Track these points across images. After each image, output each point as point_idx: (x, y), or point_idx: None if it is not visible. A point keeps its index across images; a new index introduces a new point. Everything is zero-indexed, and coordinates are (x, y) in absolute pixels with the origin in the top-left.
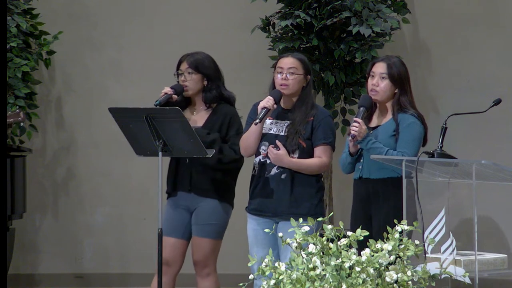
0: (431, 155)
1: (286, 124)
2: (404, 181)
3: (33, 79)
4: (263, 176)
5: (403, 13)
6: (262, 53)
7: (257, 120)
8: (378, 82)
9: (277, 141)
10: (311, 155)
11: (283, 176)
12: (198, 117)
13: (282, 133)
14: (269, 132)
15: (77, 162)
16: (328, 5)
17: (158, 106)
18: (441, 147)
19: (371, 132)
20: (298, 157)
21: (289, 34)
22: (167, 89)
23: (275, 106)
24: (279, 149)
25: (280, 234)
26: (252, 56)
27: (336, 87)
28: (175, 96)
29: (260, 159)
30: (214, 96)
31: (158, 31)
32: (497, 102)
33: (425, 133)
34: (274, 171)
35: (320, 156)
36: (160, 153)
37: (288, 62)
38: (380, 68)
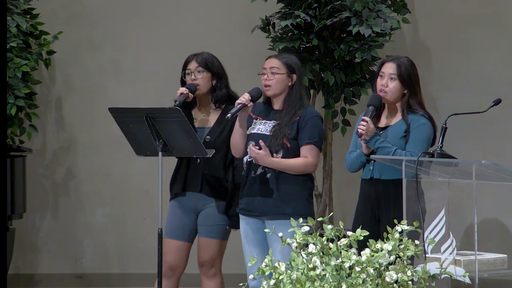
0: (431, 155)
1: (273, 124)
2: (404, 181)
3: (33, 79)
4: (250, 176)
5: (403, 13)
6: (262, 53)
7: (229, 115)
8: (388, 82)
9: (260, 141)
10: (297, 155)
11: (268, 175)
12: (208, 117)
13: (268, 133)
14: (257, 132)
15: (77, 162)
16: (328, 5)
17: (177, 107)
18: (441, 147)
19: (381, 132)
20: (282, 157)
21: (289, 34)
22: (183, 89)
23: (251, 103)
24: (261, 149)
25: (280, 234)
26: (252, 56)
27: (336, 87)
28: (190, 95)
29: (247, 159)
30: (224, 94)
31: (158, 31)
32: (497, 102)
33: (434, 134)
34: (259, 170)
35: (305, 156)
36: (160, 153)
37: (269, 62)
38: (389, 68)
